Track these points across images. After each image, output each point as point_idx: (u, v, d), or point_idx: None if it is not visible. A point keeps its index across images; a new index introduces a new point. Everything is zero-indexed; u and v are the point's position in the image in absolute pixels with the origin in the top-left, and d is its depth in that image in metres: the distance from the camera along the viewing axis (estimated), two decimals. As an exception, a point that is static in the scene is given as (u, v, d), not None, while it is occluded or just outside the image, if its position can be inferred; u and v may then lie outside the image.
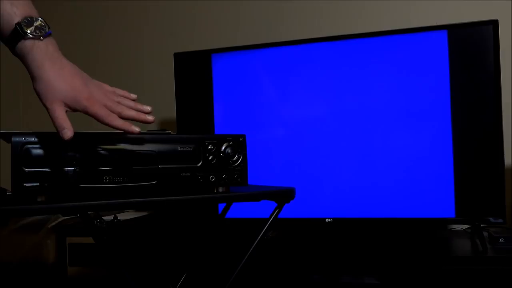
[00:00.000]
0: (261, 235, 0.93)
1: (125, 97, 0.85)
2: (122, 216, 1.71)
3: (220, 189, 0.90)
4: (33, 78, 0.75)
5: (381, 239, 1.49)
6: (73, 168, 0.77)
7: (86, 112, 0.76)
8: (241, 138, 0.92)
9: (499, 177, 1.40)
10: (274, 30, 1.92)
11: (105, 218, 1.62)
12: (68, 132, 0.73)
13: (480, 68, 1.42)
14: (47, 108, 0.75)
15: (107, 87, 0.84)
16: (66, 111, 0.76)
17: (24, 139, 0.75)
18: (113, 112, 0.79)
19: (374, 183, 1.51)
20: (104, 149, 0.80)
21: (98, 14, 2.19)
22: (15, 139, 0.74)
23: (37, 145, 0.75)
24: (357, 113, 1.53)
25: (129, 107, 0.82)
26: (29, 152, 0.75)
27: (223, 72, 1.67)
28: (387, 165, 1.50)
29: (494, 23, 1.40)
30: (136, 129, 0.79)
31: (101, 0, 2.17)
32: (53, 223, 1.65)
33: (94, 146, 0.80)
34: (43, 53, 0.75)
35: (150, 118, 0.83)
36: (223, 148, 0.90)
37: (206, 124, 1.68)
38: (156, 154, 0.84)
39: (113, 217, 1.65)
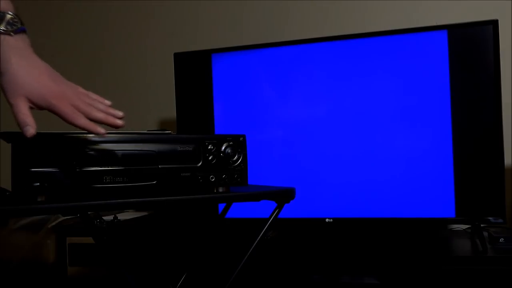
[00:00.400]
0: (261, 235, 0.93)
1: (98, 101, 0.82)
2: (122, 216, 1.71)
3: (220, 189, 0.90)
4: (2, 73, 0.73)
5: (381, 239, 1.49)
6: (73, 168, 0.77)
7: (51, 110, 0.74)
8: (241, 138, 0.92)
9: (499, 177, 1.40)
10: (274, 30, 1.92)
11: (105, 218, 1.62)
12: (30, 129, 0.71)
13: (480, 68, 1.42)
14: (10, 104, 0.72)
15: (80, 89, 0.81)
16: (31, 107, 0.73)
17: (24, 139, 0.75)
18: (80, 111, 0.75)
19: (374, 183, 1.51)
20: (104, 149, 0.80)
21: (98, 14, 2.19)
22: (15, 139, 0.74)
23: (37, 145, 0.75)
24: (357, 113, 1.53)
25: (99, 110, 0.79)
26: (29, 152, 0.75)
27: (223, 72, 1.67)
28: (387, 165, 1.50)
29: (494, 23, 1.40)
30: (101, 130, 0.75)
31: (101, 0, 2.17)
32: (53, 223, 1.65)
33: (94, 146, 0.80)
34: (11, 48, 0.73)
35: (119, 122, 0.79)
36: (223, 148, 0.90)
37: (206, 124, 1.68)
38: (156, 154, 0.84)
39: (113, 217, 1.65)
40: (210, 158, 0.88)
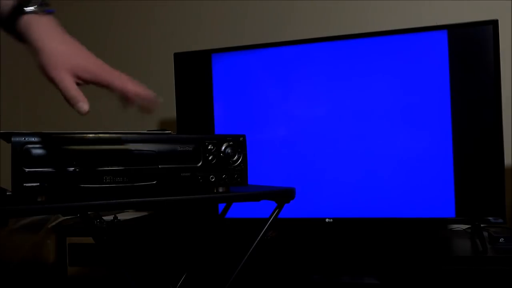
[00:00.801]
0: (261, 235, 0.93)
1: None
2: (122, 216, 1.71)
3: (220, 189, 0.90)
4: (36, 50, 0.71)
5: (381, 239, 1.49)
6: (73, 168, 0.77)
7: (98, 81, 0.73)
8: (241, 138, 0.92)
9: (499, 177, 1.40)
10: (274, 30, 1.92)
11: (105, 218, 1.62)
12: (84, 105, 0.70)
13: (480, 68, 1.42)
14: (53, 79, 0.70)
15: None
16: (77, 83, 0.72)
17: (24, 139, 0.75)
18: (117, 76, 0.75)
19: (374, 183, 1.51)
20: (104, 149, 0.80)
21: (98, 15, 2.19)
22: (15, 139, 0.74)
23: (37, 145, 0.75)
24: (357, 113, 1.53)
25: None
26: (29, 152, 0.75)
27: (223, 72, 1.67)
28: (387, 165, 1.50)
29: (494, 23, 1.40)
30: (157, 103, 0.75)
31: (102, 0, 2.17)
32: (53, 223, 1.65)
33: (94, 146, 0.80)
34: (47, 25, 0.73)
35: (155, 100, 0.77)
36: (223, 148, 0.90)
37: (206, 124, 1.68)
38: (156, 154, 0.84)
39: (113, 217, 1.65)
40: (210, 158, 0.88)
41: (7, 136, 0.76)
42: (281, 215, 0.95)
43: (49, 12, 0.75)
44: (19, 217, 1.60)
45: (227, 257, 1.36)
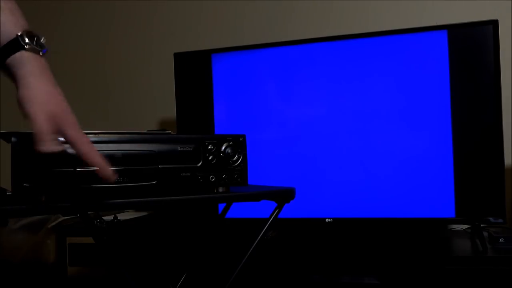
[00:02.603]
0: (261, 235, 0.93)
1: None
2: (122, 216, 1.71)
3: (220, 189, 0.90)
4: (24, 85, 0.73)
5: (381, 239, 1.49)
6: (73, 168, 0.77)
7: (66, 137, 0.72)
8: (241, 138, 0.92)
9: (499, 177, 1.40)
10: (273, 30, 1.92)
11: (105, 218, 1.62)
12: (48, 145, 0.69)
13: (480, 68, 1.42)
14: (30, 113, 0.70)
15: None
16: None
17: (24, 139, 0.75)
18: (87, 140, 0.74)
19: (374, 183, 1.51)
20: (104, 149, 0.80)
21: (98, 15, 2.19)
22: (15, 139, 0.74)
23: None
24: (357, 113, 1.53)
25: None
26: (29, 152, 0.75)
27: (223, 72, 1.67)
28: (387, 165, 1.50)
29: (494, 23, 1.40)
30: (112, 177, 0.74)
31: (102, 0, 2.17)
32: (53, 223, 1.65)
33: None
34: (41, 67, 0.75)
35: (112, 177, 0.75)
36: (223, 148, 0.90)
37: (206, 124, 1.69)
38: (156, 154, 0.84)
39: (113, 217, 1.65)
40: (210, 158, 0.88)
41: (7, 136, 0.76)
42: (281, 215, 0.95)
43: (44, 53, 0.76)
44: (19, 217, 1.60)
45: (227, 257, 1.36)
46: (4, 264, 1.60)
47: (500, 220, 1.41)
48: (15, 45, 0.74)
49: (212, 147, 0.89)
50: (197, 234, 1.50)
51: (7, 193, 0.85)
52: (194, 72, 1.71)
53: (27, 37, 0.74)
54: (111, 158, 0.80)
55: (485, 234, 1.42)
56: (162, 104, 2.03)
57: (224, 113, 1.67)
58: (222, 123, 1.67)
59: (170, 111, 1.95)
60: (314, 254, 1.36)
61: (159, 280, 1.49)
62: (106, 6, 2.17)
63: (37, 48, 0.75)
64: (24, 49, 0.74)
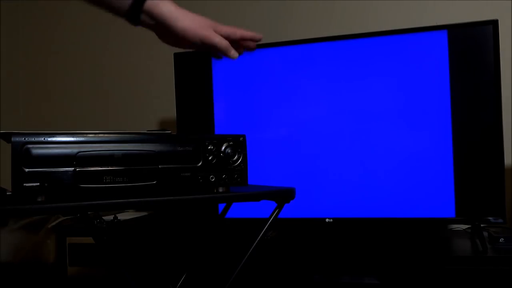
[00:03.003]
0: (261, 235, 0.93)
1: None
2: (122, 216, 1.71)
3: (220, 189, 0.90)
4: (174, 20, 0.82)
5: (381, 239, 1.49)
6: (73, 168, 0.77)
7: (228, 35, 0.86)
8: (241, 138, 0.92)
9: (499, 177, 1.40)
10: (273, 30, 1.92)
11: (105, 218, 1.62)
12: (235, 53, 0.87)
13: (480, 68, 1.42)
14: (204, 37, 0.84)
15: None
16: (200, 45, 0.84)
17: (24, 139, 0.75)
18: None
19: (374, 183, 1.51)
20: (104, 149, 0.80)
21: (98, 15, 2.19)
22: (15, 139, 0.74)
23: (37, 145, 0.75)
24: (357, 113, 1.53)
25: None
26: (29, 152, 0.75)
27: (223, 72, 1.67)
28: (387, 165, 1.50)
29: (494, 23, 1.40)
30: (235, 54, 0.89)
31: (101, 0, 2.17)
32: (53, 223, 1.65)
33: (94, 146, 0.80)
34: (171, 5, 0.83)
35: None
36: (223, 148, 0.90)
37: (206, 124, 1.68)
38: (156, 154, 0.84)
39: (113, 217, 1.65)
40: (210, 158, 0.88)
41: (7, 136, 0.76)
42: (281, 215, 0.95)
43: None
44: (19, 217, 1.60)
45: (227, 257, 1.36)
46: (4, 264, 1.60)
47: (500, 220, 1.41)
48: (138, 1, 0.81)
49: (212, 147, 0.89)
50: (197, 234, 1.50)
51: (7, 193, 0.85)
52: (194, 72, 1.71)
53: None
54: (111, 158, 0.81)
55: (485, 234, 1.42)
56: (162, 104, 2.03)
57: (224, 113, 1.67)
58: (222, 123, 1.67)
59: (170, 111, 1.95)
60: (314, 254, 1.36)
61: (159, 280, 1.49)
62: (106, 6, 2.17)
63: None
64: None
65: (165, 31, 0.85)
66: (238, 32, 0.88)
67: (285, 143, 1.60)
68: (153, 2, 0.82)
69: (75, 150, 0.78)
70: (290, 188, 0.96)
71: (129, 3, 0.81)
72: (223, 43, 0.84)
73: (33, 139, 0.75)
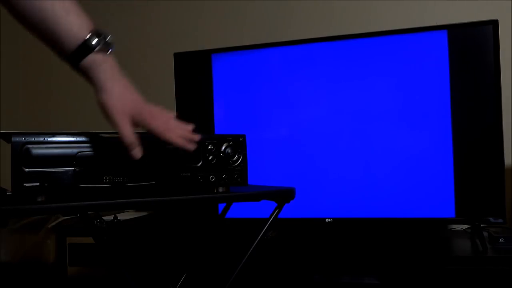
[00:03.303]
0: (261, 235, 0.93)
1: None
2: (122, 216, 1.71)
3: (220, 189, 0.90)
4: (101, 90, 0.76)
5: (381, 239, 1.49)
6: (73, 168, 0.77)
7: (146, 126, 0.78)
8: (241, 138, 0.92)
9: (499, 177, 1.40)
10: (273, 30, 1.92)
11: (105, 218, 1.62)
12: (138, 153, 0.77)
13: (480, 68, 1.42)
14: (115, 121, 0.75)
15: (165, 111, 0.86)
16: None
17: (24, 139, 0.75)
18: (165, 124, 0.81)
19: (374, 183, 1.51)
20: (104, 149, 0.80)
21: (98, 14, 2.19)
22: (15, 139, 0.74)
23: (37, 145, 0.75)
24: (358, 113, 1.53)
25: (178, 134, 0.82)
26: (29, 152, 0.75)
27: (223, 72, 1.67)
28: (387, 165, 1.50)
29: (494, 23, 1.40)
30: (192, 147, 0.81)
31: (102, 0, 2.17)
32: (53, 223, 1.65)
33: (94, 146, 0.80)
34: (112, 67, 0.78)
35: (191, 147, 0.82)
36: (223, 148, 0.90)
37: (206, 124, 1.68)
38: (156, 154, 0.84)
39: (113, 217, 1.65)
40: (210, 158, 0.88)
41: (7, 136, 0.76)
42: (281, 215, 0.95)
43: (111, 51, 0.79)
44: (19, 217, 1.60)
45: (227, 257, 1.36)
46: (4, 264, 1.60)
47: (500, 220, 1.41)
48: (84, 49, 0.76)
49: (212, 147, 0.89)
50: (197, 234, 1.50)
51: (7, 193, 0.85)
52: (194, 72, 1.71)
53: (94, 38, 0.76)
54: (111, 158, 0.80)
55: (485, 234, 1.42)
56: (162, 104, 2.01)
57: (224, 113, 1.67)
58: (222, 123, 1.67)
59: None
60: (314, 254, 1.36)
61: (159, 280, 1.49)
62: (106, 6, 2.17)
63: (105, 48, 0.77)
64: (93, 51, 0.76)
65: None
66: (157, 130, 0.79)
67: (285, 143, 1.60)
68: (96, 61, 0.76)
69: (75, 150, 0.78)
70: (290, 188, 0.96)
71: (72, 49, 0.76)
72: (128, 139, 0.76)
73: (33, 139, 0.75)
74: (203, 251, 1.28)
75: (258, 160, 1.61)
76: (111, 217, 1.65)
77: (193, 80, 1.71)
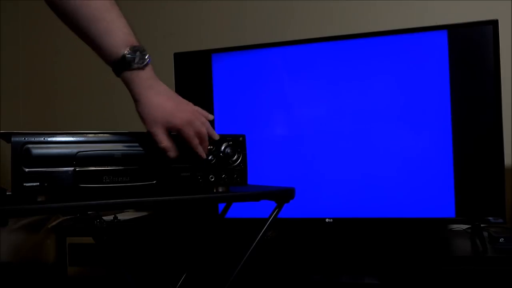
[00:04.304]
0: (261, 235, 0.93)
1: (205, 116, 0.91)
2: (122, 216, 1.71)
3: (220, 189, 0.90)
4: (136, 101, 0.83)
5: (381, 239, 1.49)
6: (73, 168, 0.77)
7: (179, 132, 0.83)
8: (240, 138, 0.92)
9: (499, 177, 1.40)
10: (273, 30, 1.92)
11: (105, 218, 1.62)
12: (172, 153, 0.82)
13: (480, 68, 1.42)
14: (149, 130, 0.82)
15: (193, 106, 0.90)
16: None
17: (24, 139, 0.75)
18: (196, 132, 0.85)
19: (374, 183, 1.51)
20: (104, 149, 0.80)
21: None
22: (15, 139, 0.74)
23: (37, 145, 0.75)
24: (358, 113, 1.53)
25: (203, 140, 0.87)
26: (29, 152, 0.75)
27: (223, 72, 1.67)
28: (387, 165, 1.50)
29: (494, 23, 1.40)
30: (204, 156, 0.86)
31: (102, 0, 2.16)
32: (53, 223, 1.65)
33: (94, 146, 0.80)
34: (144, 81, 0.83)
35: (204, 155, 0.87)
36: (222, 148, 0.90)
37: (206, 124, 1.68)
38: (155, 154, 0.84)
39: (113, 217, 1.65)
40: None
41: (7, 136, 0.76)
42: (281, 215, 0.95)
43: (148, 63, 0.84)
44: (19, 217, 1.60)
45: (227, 257, 1.36)
46: (4, 264, 1.60)
47: (500, 220, 1.41)
48: (121, 64, 0.82)
49: (211, 147, 0.89)
50: (197, 234, 1.50)
51: (7, 193, 0.85)
52: (194, 72, 1.71)
53: (130, 56, 0.81)
54: (110, 158, 0.81)
55: (485, 234, 1.42)
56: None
57: (224, 113, 1.67)
58: (222, 123, 1.67)
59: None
60: (314, 254, 1.36)
61: (159, 280, 1.49)
62: (106, 6, 2.17)
63: (141, 64, 0.82)
64: (129, 69, 0.81)
65: None
66: (193, 141, 0.85)
67: (285, 143, 1.60)
68: (132, 74, 0.82)
69: (75, 150, 0.78)
70: (290, 188, 0.96)
71: (111, 63, 0.83)
72: (162, 145, 0.82)
73: (33, 139, 0.75)
74: (203, 251, 1.28)
75: (258, 160, 1.61)
76: (111, 217, 1.65)
77: (193, 80, 1.71)
